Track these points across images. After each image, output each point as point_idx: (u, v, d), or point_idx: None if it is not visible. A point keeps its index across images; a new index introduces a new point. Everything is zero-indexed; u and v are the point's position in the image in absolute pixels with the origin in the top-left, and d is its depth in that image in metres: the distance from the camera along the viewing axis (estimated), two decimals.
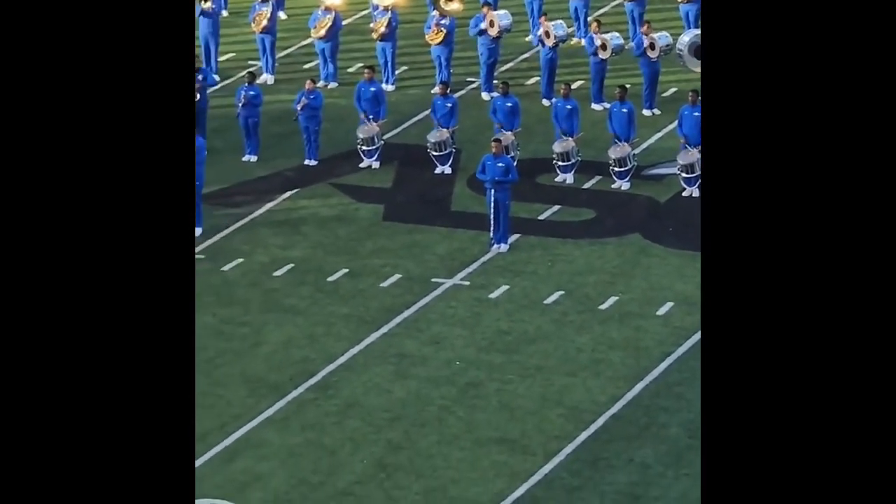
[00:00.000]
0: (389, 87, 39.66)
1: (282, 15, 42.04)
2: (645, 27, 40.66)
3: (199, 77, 38.19)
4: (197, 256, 34.05)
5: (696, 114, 35.85)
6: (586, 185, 36.73)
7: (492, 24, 40.09)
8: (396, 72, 40.61)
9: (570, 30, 41.34)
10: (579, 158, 36.81)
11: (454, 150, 36.98)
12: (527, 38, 41.78)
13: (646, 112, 39.17)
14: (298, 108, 37.39)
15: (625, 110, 37.12)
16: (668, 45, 39.99)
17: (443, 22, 40.27)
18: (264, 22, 40.90)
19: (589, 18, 41.71)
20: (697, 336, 31.42)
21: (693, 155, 36.04)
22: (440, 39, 40.07)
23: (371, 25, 41.09)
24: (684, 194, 36.23)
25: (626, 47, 40.75)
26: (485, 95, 39.33)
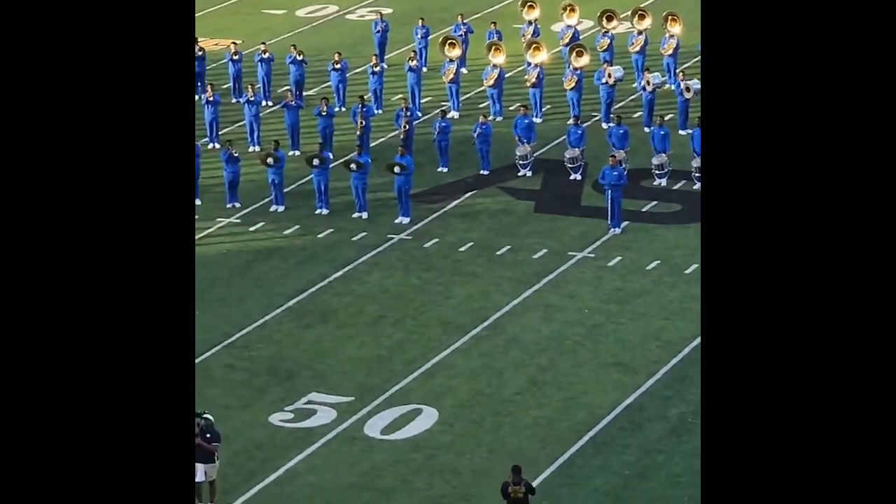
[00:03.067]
0: (538, 120, 39.58)
1: (464, 70, 41.95)
2: (681, 75, 40.28)
3: (408, 113, 38.35)
4: (405, 237, 34.33)
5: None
6: (675, 187, 36.54)
7: (609, 75, 40.02)
8: (543, 109, 40.46)
9: (664, 79, 40.97)
10: (670, 168, 36.66)
11: (583, 164, 36.92)
12: (633, 85, 41.42)
13: (682, 132, 38.77)
14: (475, 135, 37.49)
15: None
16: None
17: (576, 73, 40.20)
18: (451, 75, 40.93)
19: (677, 70, 41.34)
20: None
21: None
22: (573, 85, 40.01)
23: (525, 77, 40.90)
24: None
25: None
26: (604, 125, 39.10)
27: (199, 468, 24.52)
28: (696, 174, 36.16)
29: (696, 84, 39.79)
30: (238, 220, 35.53)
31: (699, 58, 41.62)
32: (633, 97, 40.70)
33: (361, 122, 37.96)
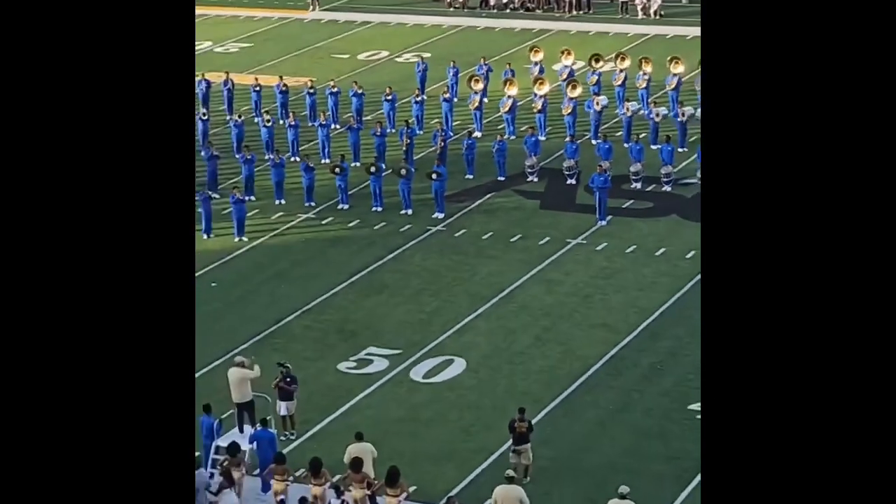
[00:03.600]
0: (542, 138, 39.48)
1: (485, 100, 41.76)
2: (653, 104, 40.26)
3: (442, 133, 38.40)
4: (441, 228, 34.40)
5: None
6: (647, 189, 36.42)
7: (597, 103, 40.01)
8: (546, 129, 40.41)
9: (639, 106, 40.92)
10: (644, 175, 36.60)
11: (577, 171, 36.86)
12: (616, 111, 41.32)
13: (653, 146, 38.12)
14: (494, 150, 37.49)
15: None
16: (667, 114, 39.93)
17: (571, 101, 40.13)
18: (476, 103, 40.90)
19: (649, 99, 41.30)
20: None
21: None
22: (569, 111, 39.92)
23: (532, 105, 40.86)
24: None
25: (669, 115, 40.35)
26: (593, 142, 38.98)
27: (282, 405, 24.74)
28: (664, 179, 36.13)
29: (663, 111, 39.87)
30: (313, 216, 35.68)
31: (666, 89, 41.61)
32: (615, 120, 40.63)
33: (407, 141, 38.08)
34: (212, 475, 22.91)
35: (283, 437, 24.41)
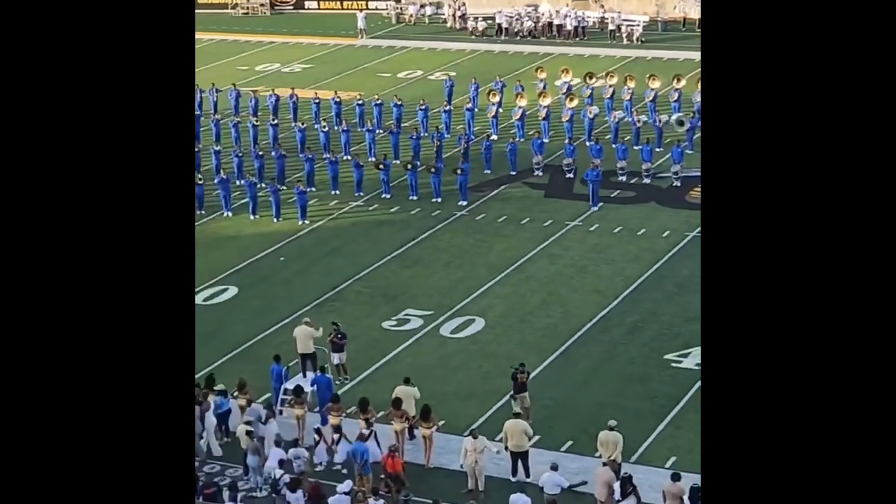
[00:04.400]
0: (546, 140, 39.22)
1: (500, 110, 41.36)
2: (635, 112, 39.86)
3: (466, 136, 38.20)
4: (465, 213, 34.24)
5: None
6: (631, 182, 36.14)
7: (590, 112, 39.54)
8: (549, 133, 40.12)
9: (624, 115, 40.55)
10: (628, 170, 36.35)
11: (575, 168, 36.61)
12: (605, 118, 40.80)
13: (636, 147, 37.42)
14: (507, 150, 37.27)
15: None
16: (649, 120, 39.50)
17: (569, 111, 39.87)
18: (492, 113, 40.59)
19: (632, 109, 41.01)
20: (683, 244, 31.06)
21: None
22: (567, 118, 39.59)
23: (538, 113, 40.53)
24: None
25: (648, 121, 39.99)
26: (587, 143, 38.54)
27: (335, 356, 24.80)
28: (644, 173, 35.89)
29: (643, 117, 39.56)
30: (361, 204, 35.61)
31: (645, 101, 41.28)
32: (605, 125, 40.38)
33: (437, 142, 37.94)
34: (281, 412, 23.08)
35: (337, 382, 24.43)
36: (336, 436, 21.70)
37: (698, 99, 39.79)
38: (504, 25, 55.12)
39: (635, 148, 37.59)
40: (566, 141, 38.01)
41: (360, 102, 42.15)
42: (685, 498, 19.08)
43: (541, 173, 37.02)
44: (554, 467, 20.11)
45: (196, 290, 29.56)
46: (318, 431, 21.89)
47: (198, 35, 57.86)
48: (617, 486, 19.39)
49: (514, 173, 37.11)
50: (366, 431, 21.23)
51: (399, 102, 41.44)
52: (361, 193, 35.99)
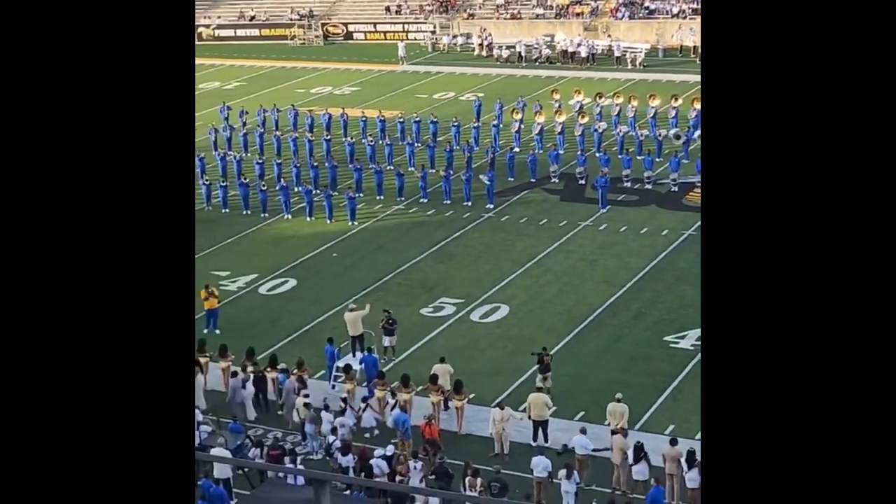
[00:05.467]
0: (561, 151, 38.89)
1: (522, 126, 41.31)
2: (637, 127, 39.51)
3: (492, 148, 38.00)
4: (491, 215, 34.18)
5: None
6: (634, 187, 35.95)
7: (599, 127, 39.44)
8: (564, 146, 39.95)
9: (629, 129, 40.30)
10: (632, 177, 36.17)
11: (586, 175, 36.45)
12: (612, 132, 40.70)
13: (638, 157, 36.81)
14: (528, 160, 37.05)
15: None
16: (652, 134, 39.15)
17: (581, 126, 39.72)
18: (515, 128, 40.46)
19: (636, 124, 40.76)
20: (681, 241, 30.79)
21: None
22: (580, 133, 39.49)
23: (554, 129, 40.35)
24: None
25: (649, 135, 39.66)
26: (597, 154, 38.30)
27: (386, 339, 24.86)
28: (646, 180, 35.70)
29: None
30: (402, 207, 35.63)
31: (647, 117, 41.05)
32: (612, 139, 40.20)
33: (467, 154, 37.91)
34: (333, 386, 23.19)
35: (383, 360, 24.50)
36: (382, 405, 21.77)
37: (693, 115, 39.61)
38: (524, 53, 55.10)
39: (638, 158, 37.35)
40: (578, 152, 37.87)
41: (402, 120, 42.21)
42: (682, 460, 19.06)
43: (557, 180, 36.89)
44: (583, 430, 20.11)
45: (260, 282, 29.83)
46: (364, 401, 21.99)
47: (261, 63, 58.30)
48: (630, 452, 19.38)
49: (533, 180, 36.97)
50: (391, 401, 21.32)
51: (435, 120, 41.44)
52: (402, 198, 36.05)
